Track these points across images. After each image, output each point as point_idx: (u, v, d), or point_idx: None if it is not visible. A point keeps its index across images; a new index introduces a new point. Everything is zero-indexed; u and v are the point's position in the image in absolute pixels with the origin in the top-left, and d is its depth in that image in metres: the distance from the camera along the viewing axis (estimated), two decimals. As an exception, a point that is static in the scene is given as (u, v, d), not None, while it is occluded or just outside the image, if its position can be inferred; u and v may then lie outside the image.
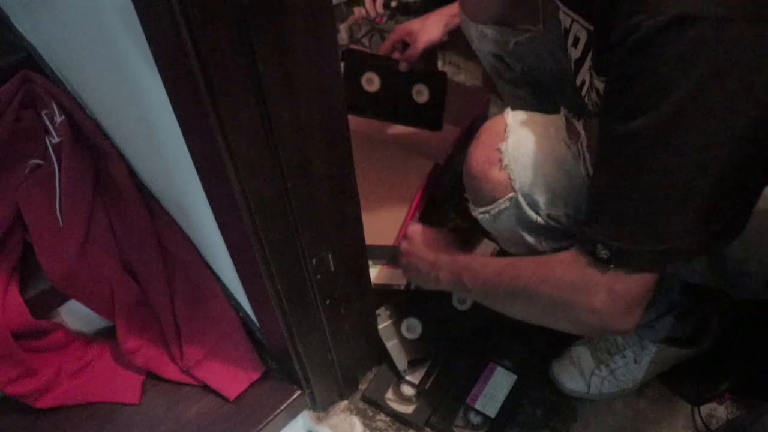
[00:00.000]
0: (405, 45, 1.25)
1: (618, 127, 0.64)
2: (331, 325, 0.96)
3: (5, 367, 1.04)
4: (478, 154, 0.89)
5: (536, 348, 1.20)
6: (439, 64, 1.77)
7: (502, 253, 1.11)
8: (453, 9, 1.22)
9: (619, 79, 0.64)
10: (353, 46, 1.66)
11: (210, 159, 0.66)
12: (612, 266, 0.70)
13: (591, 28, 0.77)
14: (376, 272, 1.24)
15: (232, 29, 0.52)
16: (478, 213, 0.93)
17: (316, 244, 0.81)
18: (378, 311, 1.20)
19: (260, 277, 0.82)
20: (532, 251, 0.92)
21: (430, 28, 1.22)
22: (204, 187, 0.76)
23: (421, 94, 1.32)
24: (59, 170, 1.06)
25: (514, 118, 0.89)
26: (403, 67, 1.25)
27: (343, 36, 1.74)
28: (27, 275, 1.07)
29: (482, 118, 1.57)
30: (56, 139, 1.10)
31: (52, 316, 1.14)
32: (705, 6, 0.56)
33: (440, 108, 1.33)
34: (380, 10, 1.63)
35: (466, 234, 1.21)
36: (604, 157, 0.69)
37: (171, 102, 0.64)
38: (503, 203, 0.87)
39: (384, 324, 1.20)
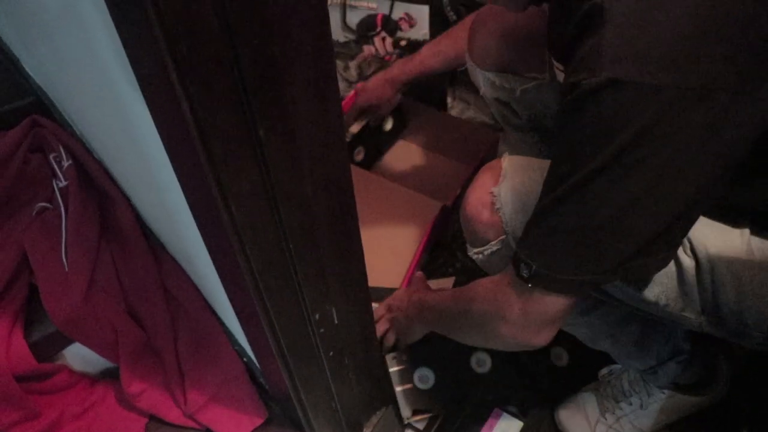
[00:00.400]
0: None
1: (555, 168, 0.70)
2: (334, 374, 0.96)
3: (8, 410, 1.04)
4: (474, 196, 0.91)
5: (542, 392, 1.19)
6: (449, 100, 1.78)
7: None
8: (399, 67, 1.37)
9: (561, 128, 0.68)
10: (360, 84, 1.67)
11: (211, 220, 0.66)
12: (529, 285, 0.75)
13: None
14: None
15: (233, 100, 0.53)
16: (473, 253, 0.95)
17: (320, 301, 0.81)
18: (393, 354, 1.20)
19: (262, 330, 0.81)
20: None
21: (383, 92, 1.41)
22: (205, 244, 0.76)
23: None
24: (66, 214, 1.07)
25: (510, 163, 0.90)
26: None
27: (352, 73, 1.74)
28: (33, 317, 1.07)
29: (491, 156, 1.57)
30: (63, 183, 1.10)
31: (57, 357, 1.14)
32: (639, 72, 0.59)
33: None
34: (390, 48, 1.63)
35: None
36: (547, 185, 0.72)
37: (171, 164, 0.64)
38: (495, 245, 0.89)
39: (397, 368, 1.19)
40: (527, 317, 0.79)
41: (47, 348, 1.09)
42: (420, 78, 1.38)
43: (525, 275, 0.75)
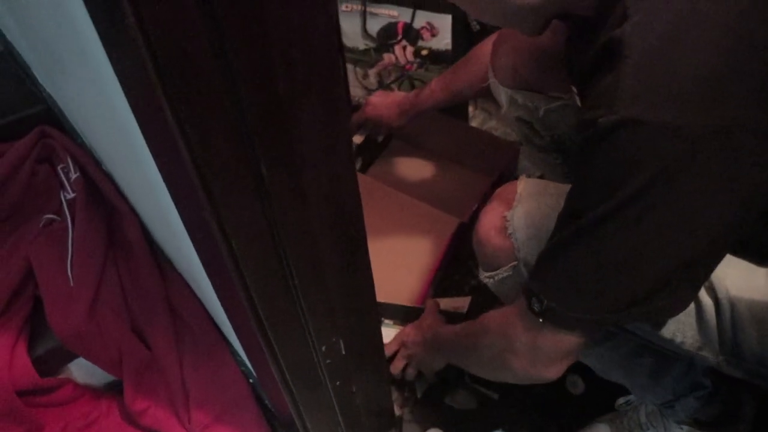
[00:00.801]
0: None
1: (571, 204, 0.68)
2: (341, 402, 0.93)
3: (11, 426, 1.02)
4: (486, 220, 0.89)
5: (556, 420, 1.16)
6: (470, 109, 1.74)
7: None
8: (412, 98, 1.35)
9: (578, 164, 0.66)
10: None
11: (211, 254, 0.63)
12: (540, 320, 0.73)
13: None
14: (394, 331, 1.22)
15: (232, 139, 0.50)
16: (484, 277, 0.93)
17: (327, 333, 0.78)
18: (402, 412, 1.18)
19: (266, 360, 0.79)
20: None
21: (393, 119, 1.39)
22: (206, 274, 0.73)
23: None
24: (73, 227, 1.05)
25: (525, 187, 0.88)
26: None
27: (372, 81, 1.71)
28: (38, 331, 1.05)
29: (511, 170, 1.53)
30: (71, 195, 1.08)
31: (62, 370, 1.12)
32: (657, 112, 0.56)
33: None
34: (410, 57, 1.59)
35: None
36: (561, 220, 0.70)
37: (170, 195, 0.62)
38: (506, 270, 0.87)
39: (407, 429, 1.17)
40: (538, 351, 0.77)
41: (52, 362, 1.07)
42: (431, 110, 1.36)
43: (536, 309, 0.73)
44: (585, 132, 0.61)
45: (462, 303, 1.36)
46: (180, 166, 0.51)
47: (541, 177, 1.53)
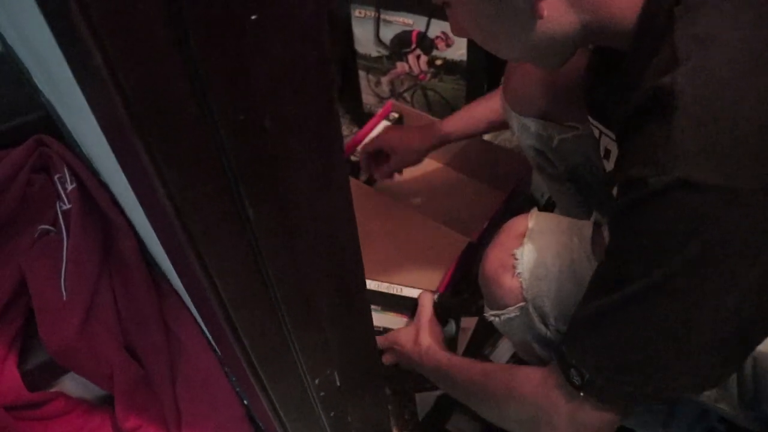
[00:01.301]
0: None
1: (613, 268, 0.61)
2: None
3: (-2, 440, 0.99)
4: (494, 256, 0.85)
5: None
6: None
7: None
8: (437, 130, 1.27)
9: (618, 228, 0.60)
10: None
11: (195, 291, 0.59)
12: (581, 394, 0.67)
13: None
14: (382, 317, 1.19)
15: (215, 183, 0.46)
16: (490, 315, 0.88)
17: (320, 367, 0.74)
18: None
19: (255, 391, 0.75)
20: (542, 362, 0.86)
21: (409, 153, 1.30)
22: (194, 306, 0.70)
23: None
24: (68, 239, 1.02)
25: (536, 223, 0.83)
26: (378, 178, 1.38)
27: (384, 89, 1.67)
28: (31, 343, 1.03)
29: (525, 183, 1.48)
30: (67, 206, 1.05)
31: (55, 383, 1.10)
32: (713, 173, 0.50)
33: None
34: (424, 67, 1.55)
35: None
36: (599, 286, 0.64)
37: (153, 230, 0.58)
38: (513, 311, 0.83)
39: None
40: (579, 427, 0.69)
41: (44, 374, 1.04)
42: (449, 142, 1.31)
43: (576, 383, 0.66)
44: (628, 190, 0.56)
45: (468, 324, 1.32)
46: (160, 208, 0.47)
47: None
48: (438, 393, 1.24)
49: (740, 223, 0.51)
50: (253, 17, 0.39)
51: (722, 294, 0.54)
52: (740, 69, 0.51)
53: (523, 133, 1.04)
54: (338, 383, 0.80)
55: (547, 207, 1.52)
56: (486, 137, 1.70)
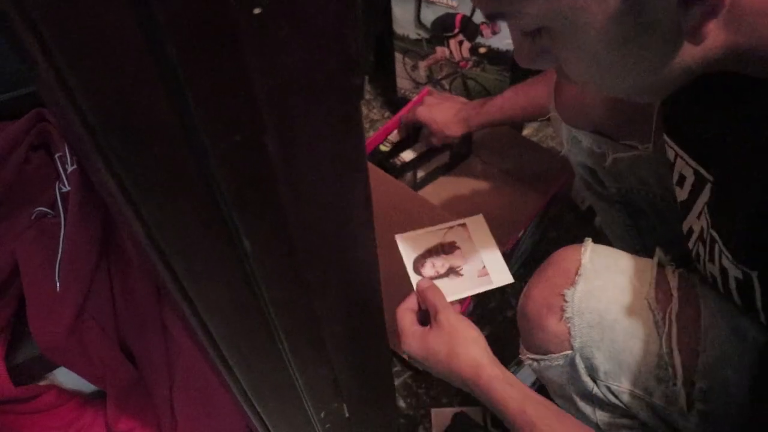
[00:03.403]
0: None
1: None
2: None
3: (-17, 435, 0.93)
4: (538, 293, 0.73)
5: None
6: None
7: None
8: (481, 113, 1.17)
9: None
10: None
11: (184, 321, 0.50)
12: None
13: (707, 175, 0.59)
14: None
15: (204, 216, 0.37)
16: (527, 357, 0.77)
17: (327, 400, 0.66)
18: None
19: (255, 415, 0.67)
20: (581, 416, 0.74)
21: (451, 126, 1.22)
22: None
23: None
24: (65, 225, 0.93)
25: (591, 259, 0.71)
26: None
27: (421, 74, 1.55)
28: (23, 333, 0.95)
29: (567, 188, 1.37)
30: (67, 188, 0.97)
31: (47, 375, 1.03)
32: None
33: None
34: (466, 54, 1.43)
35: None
36: None
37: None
38: (557, 359, 0.71)
39: None
40: None
41: (36, 366, 0.97)
42: (496, 125, 1.19)
43: None
44: None
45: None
46: (140, 246, 0.38)
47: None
48: (456, 409, 1.15)
49: None
50: (257, 11, 0.29)
51: None
52: None
53: (574, 147, 0.92)
54: (347, 414, 0.71)
55: (587, 214, 1.41)
56: (527, 131, 1.59)
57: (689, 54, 0.49)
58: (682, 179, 0.64)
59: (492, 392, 0.68)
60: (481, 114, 1.17)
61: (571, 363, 0.69)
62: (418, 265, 0.85)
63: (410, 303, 0.80)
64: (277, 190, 0.38)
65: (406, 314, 0.78)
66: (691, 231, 0.67)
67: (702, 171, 0.61)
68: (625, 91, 0.57)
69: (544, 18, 0.49)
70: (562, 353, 0.70)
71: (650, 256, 0.73)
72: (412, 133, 1.40)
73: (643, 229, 0.94)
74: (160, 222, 0.36)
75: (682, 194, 0.65)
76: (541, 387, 0.90)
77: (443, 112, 1.23)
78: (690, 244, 0.67)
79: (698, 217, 0.64)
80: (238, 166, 0.35)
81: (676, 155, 0.64)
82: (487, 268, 0.84)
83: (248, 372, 0.53)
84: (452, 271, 0.85)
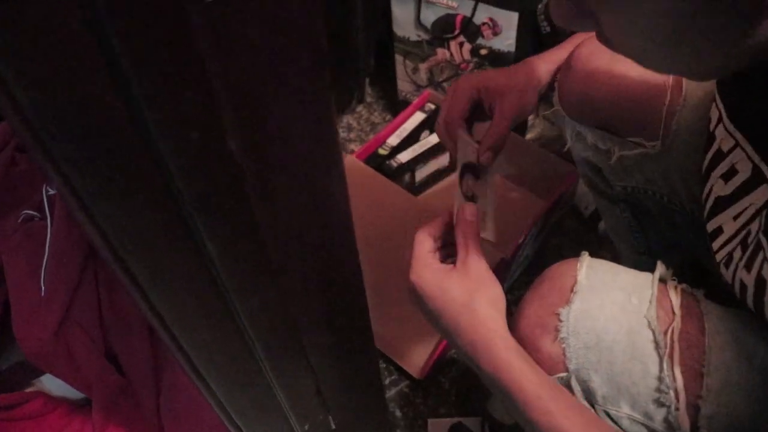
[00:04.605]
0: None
1: None
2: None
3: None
4: (533, 312, 0.68)
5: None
6: (530, 117, 1.55)
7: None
8: (545, 68, 0.84)
9: None
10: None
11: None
12: None
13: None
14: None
15: (164, 214, 0.35)
16: None
17: (311, 412, 0.63)
18: None
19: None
20: None
21: (527, 95, 0.81)
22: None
23: None
24: (52, 228, 0.91)
25: (587, 275, 0.67)
26: (485, 159, 0.78)
27: (422, 77, 1.53)
28: (8, 339, 0.93)
29: (570, 193, 1.34)
30: (53, 191, 0.95)
31: (35, 382, 1.01)
32: None
33: None
34: (467, 56, 1.41)
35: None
36: None
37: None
38: None
39: None
40: None
41: (23, 372, 0.95)
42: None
43: None
44: None
45: None
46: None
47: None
48: (453, 420, 1.13)
49: None
50: (209, -1, 0.27)
51: None
52: None
53: (578, 143, 0.87)
54: (333, 426, 0.69)
55: (591, 221, 1.38)
56: (530, 134, 1.56)
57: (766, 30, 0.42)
58: (732, 173, 0.59)
59: (505, 366, 0.60)
60: (552, 61, 0.85)
61: (566, 385, 0.65)
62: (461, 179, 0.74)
63: (434, 228, 0.69)
64: (244, 191, 0.35)
65: (426, 240, 0.67)
66: (719, 231, 0.62)
67: (765, 169, 0.55)
68: (674, 69, 0.52)
69: None
70: (556, 375, 0.65)
71: (655, 259, 0.69)
72: (413, 134, 1.37)
73: (648, 230, 0.91)
74: (114, 226, 0.33)
75: (724, 189, 0.60)
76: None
77: (511, 90, 0.81)
78: (715, 245, 0.63)
79: (736, 218, 0.59)
80: (197, 166, 0.32)
81: (736, 145, 0.58)
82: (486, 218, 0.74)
83: (224, 384, 0.51)
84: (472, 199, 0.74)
